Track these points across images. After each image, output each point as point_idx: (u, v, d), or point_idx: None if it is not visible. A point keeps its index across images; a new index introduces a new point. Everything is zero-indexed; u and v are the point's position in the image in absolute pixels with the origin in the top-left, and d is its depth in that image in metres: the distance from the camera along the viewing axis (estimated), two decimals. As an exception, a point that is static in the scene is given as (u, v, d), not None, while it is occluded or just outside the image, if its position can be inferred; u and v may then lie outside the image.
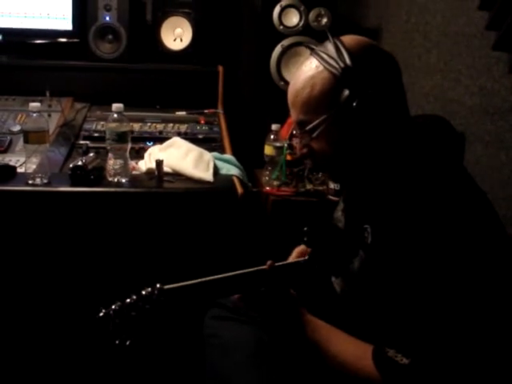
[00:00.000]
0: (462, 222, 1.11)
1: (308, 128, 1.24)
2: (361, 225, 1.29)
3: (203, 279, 1.22)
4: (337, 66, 1.18)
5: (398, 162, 1.21)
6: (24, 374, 1.97)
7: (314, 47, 1.28)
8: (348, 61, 1.17)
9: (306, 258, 1.35)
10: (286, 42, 2.66)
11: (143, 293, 1.15)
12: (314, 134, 1.23)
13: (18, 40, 2.61)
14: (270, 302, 1.29)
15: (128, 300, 1.14)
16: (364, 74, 1.18)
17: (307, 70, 1.24)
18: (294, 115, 1.29)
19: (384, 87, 1.19)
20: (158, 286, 1.16)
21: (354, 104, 1.16)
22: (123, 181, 1.89)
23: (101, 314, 1.13)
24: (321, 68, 1.22)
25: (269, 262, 1.28)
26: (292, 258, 1.53)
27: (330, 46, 1.22)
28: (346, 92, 1.17)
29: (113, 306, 1.13)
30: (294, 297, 1.32)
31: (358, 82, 1.17)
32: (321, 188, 2.29)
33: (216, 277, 1.24)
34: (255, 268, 1.29)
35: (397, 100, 1.24)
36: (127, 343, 1.13)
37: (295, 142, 2.29)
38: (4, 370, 1.96)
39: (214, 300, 1.51)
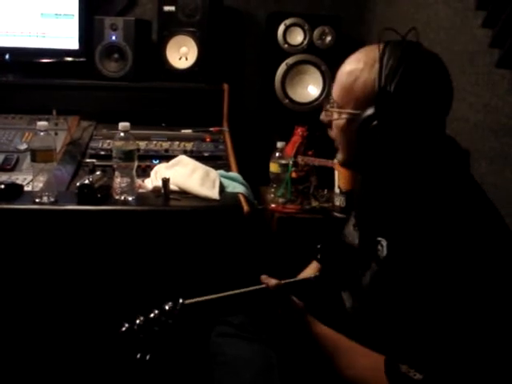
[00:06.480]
0: (481, 240, 1.11)
1: (332, 109, 1.26)
2: (374, 238, 1.28)
3: (222, 294, 1.22)
4: (382, 80, 1.13)
5: (415, 177, 1.20)
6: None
7: (391, 41, 1.20)
8: (393, 85, 1.12)
9: (317, 274, 1.36)
10: (290, 61, 2.68)
11: (166, 308, 1.15)
12: (334, 117, 1.25)
13: (24, 59, 2.63)
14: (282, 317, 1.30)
15: (152, 315, 1.14)
16: (401, 104, 1.13)
17: (364, 58, 1.21)
18: (334, 87, 1.28)
19: (419, 118, 1.15)
20: (180, 301, 1.16)
21: (374, 123, 1.14)
22: (130, 199, 1.89)
23: (123, 329, 1.13)
24: (373, 68, 1.17)
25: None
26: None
27: (395, 54, 1.15)
28: (371, 111, 1.14)
29: (137, 321, 1.13)
30: (302, 308, 1.32)
31: (389, 109, 1.13)
32: (326, 205, 2.29)
33: (236, 291, 1.24)
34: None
35: (428, 125, 1.18)
36: (147, 357, 1.12)
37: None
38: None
39: (231, 315, 1.50)
